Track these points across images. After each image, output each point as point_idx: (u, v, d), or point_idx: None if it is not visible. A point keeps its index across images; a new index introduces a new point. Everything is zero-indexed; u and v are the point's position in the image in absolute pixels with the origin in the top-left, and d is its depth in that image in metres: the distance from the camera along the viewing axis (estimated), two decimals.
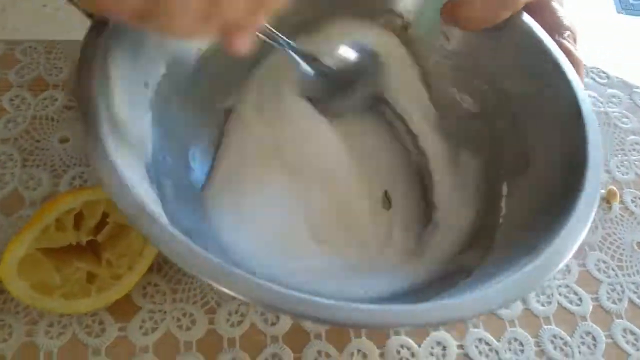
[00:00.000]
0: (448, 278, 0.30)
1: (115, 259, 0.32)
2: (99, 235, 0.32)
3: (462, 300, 0.23)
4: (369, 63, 0.39)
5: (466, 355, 0.34)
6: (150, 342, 0.32)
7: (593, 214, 0.26)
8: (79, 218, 0.32)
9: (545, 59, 0.32)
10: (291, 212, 0.35)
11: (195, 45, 0.35)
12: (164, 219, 0.24)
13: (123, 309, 0.33)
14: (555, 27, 0.33)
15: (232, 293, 0.21)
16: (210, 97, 0.37)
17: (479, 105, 0.37)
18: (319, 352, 0.33)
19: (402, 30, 0.39)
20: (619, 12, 1.47)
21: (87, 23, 0.28)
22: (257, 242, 0.32)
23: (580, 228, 0.25)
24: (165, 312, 0.33)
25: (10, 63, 0.43)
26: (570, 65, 0.31)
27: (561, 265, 0.24)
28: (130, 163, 0.26)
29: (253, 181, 0.35)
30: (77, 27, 0.42)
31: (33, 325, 0.32)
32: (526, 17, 0.34)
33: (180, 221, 0.28)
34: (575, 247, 0.25)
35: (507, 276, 0.24)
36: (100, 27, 0.28)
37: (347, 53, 0.38)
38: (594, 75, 0.50)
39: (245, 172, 0.35)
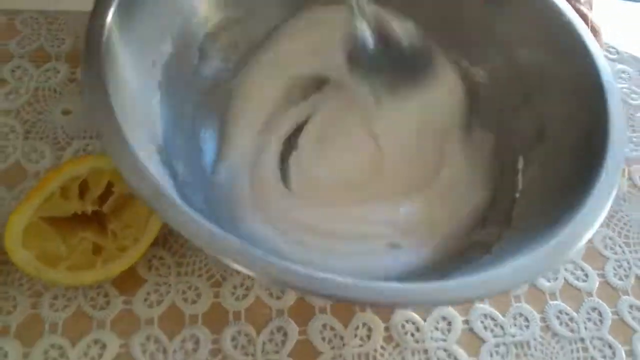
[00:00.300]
0: (467, 254, 0.30)
1: (121, 230, 0.32)
2: (104, 205, 0.32)
3: (487, 276, 0.23)
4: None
5: (471, 330, 0.34)
6: (156, 315, 0.32)
7: (616, 187, 0.25)
8: (84, 187, 0.32)
9: (563, 28, 0.31)
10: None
11: (202, 22, 0.34)
12: (178, 201, 0.23)
13: (128, 281, 0.33)
14: None
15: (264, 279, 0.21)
16: (217, 76, 0.36)
17: (491, 77, 0.36)
18: (324, 326, 0.33)
19: None
20: None
21: None
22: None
23: (603, 201, 0.25)
24: (170, 285, 0.33)
25: (10, 33, 0.42)
26: (591, 35, 0.30)
27: (585, 239, 0.24)
28: (142, 144, 0.26)
29: None
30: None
31: (38, 298, 0.32)
32: None
33: (193, 204, 0.28)
34: (599, 221, 0.24)
35: (528, 252, 0.23)
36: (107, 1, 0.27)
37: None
38: (605, 52, 0.50)
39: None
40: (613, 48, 0.50)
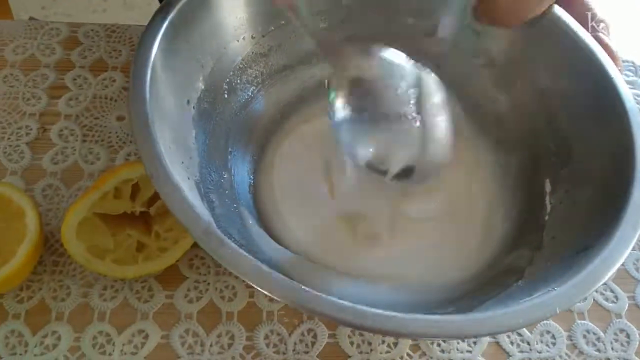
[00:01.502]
0: (498, 280, 0.30)
1: (164, 231, 0.35)
2: (151, 208, 0.34)
3: (517, 309, 0.23)
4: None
5: (497, 343, 0.35)
6: (195, 310, 0.34)
7: None
8: (135, 189, 0.34)
9: (582, 55, 0.32)
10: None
11: (232, 58, 0.35)
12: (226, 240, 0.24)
13: (171, 277, 0.35)
14: (587, 20, 0.33)
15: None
16: (245, 107, 0.37)
17: (514, 101, 0.37)
18: (353, 331, 0.34)
19: (428, 36, 0.38)
20: None
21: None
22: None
23: (633, 227, 0.25)
24: (209, 283, 0.35)
25: (73, 44, 0.46)
26: (610, 61, 0.31)
27: (614, 270, 0.24)
28: (183, 180, 0.27)
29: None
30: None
31: (89, 288, 0.34)
32: (560, 11, 0.33)
33: (231, 235, 0.29)
34: (629, 248, 0.25)
35: (558, 284, 0.23)
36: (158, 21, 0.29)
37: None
38: (626, 72, 0.50)
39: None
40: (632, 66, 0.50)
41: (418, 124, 0.31)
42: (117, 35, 0.46)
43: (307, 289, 0.22)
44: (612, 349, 0.35)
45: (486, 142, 0.38)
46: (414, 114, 0.31)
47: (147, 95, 0.26)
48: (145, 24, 0.29)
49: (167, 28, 0.29)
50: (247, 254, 0.23)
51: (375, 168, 0.32)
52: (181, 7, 0.30)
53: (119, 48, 0.46)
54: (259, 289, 0.22)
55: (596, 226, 0.26)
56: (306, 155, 0.37)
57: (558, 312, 0.23)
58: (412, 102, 0.31)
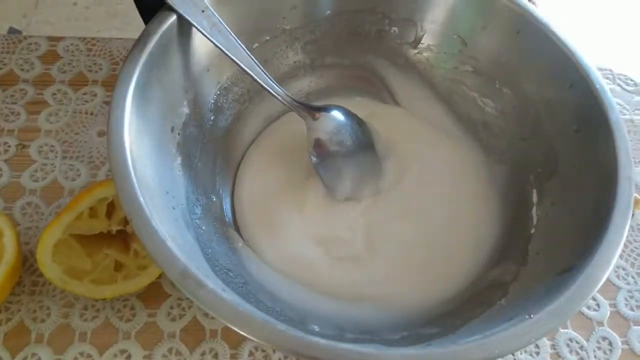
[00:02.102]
0: (483, 296, 0.30)
1: (142, 249, 0.34)
2: (128, 226, 0.34)
3: (493, 339, 0.23)
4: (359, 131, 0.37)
5: None
6: (178, 329, 0.34)
7: (627, 227, 0.26)
8: (111, 208, 0.34)
9: (568, 65, 0.32)
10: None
11: (216, 80, 0.35)
12: (208, 275, 0.24)
13: (153, 295, 0.35)
14: None
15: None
16: (230, 125, 0.37)
17: (501, 108, 0.37)
18: None
19: (413, 45, 0.39)
20: None
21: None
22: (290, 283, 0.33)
23: (615, 244, 0.25)
24: (192, 300, 0.35)
25: (52, 59, 0.45)
26: (596, 71, 0.31)
27: (598, 287, 0.24)
28: (167, 213, 0.27)
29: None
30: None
31: (69, 308, 0.34)
32: (545, 18, 0.33)
33: (218, 261, 0.29)
34: (610, 267, 0.25)
35: (544, 304, 0.24)
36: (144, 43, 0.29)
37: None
38: (620, 82, 0.50)
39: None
40: (631, 80, 0.51)
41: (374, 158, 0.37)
42: (98, 49, 0.46)
43: (281, 329, 0.22)
44: (595, 357, 0.35)
45: (475, 145, 0.39)
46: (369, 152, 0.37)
47: (125, 137, 0.26)
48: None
49: (145, 61, 0.28)
50: (223, 297, 0.22)
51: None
52: (159, 37, 0.29)
53: (99, 62, 0.45)
54: (239, 331, 0.22)
55: (579, 243, 0.26)
56: (272, 169, 0.37)
57: (533, 342, 0.23)
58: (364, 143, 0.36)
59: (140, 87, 0.28)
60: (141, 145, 0.27)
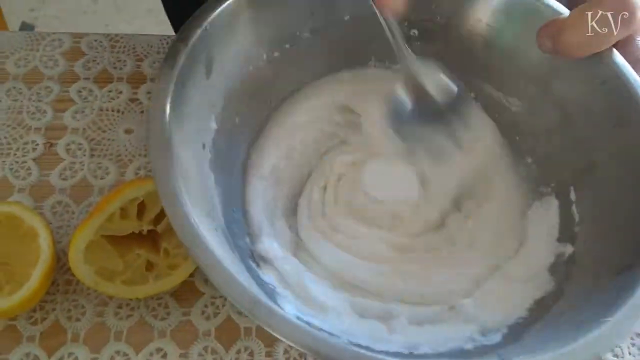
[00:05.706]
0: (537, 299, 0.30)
1: (172, 248, 0.34)
2: (158, 225, 0.34)
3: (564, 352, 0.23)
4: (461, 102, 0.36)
5: None
6: (212, 327, 0.34)
7: None
8: (141, 208, 0.34)
9: (599, 61, 0.31)
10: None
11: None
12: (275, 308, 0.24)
13: (186, 294, 0.35)
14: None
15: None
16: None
17: (527, 106, 0.36)
18: None
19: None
20: None
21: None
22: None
23: None
24: (225, 298, 0.35)
25: (76, 56, 0.45)
26: (630, 67, 0.30)
27: None
28: (214, 236, 0.26)
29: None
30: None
31: (103, 307, 0.34)
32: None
33: (264, 284, 0.29)
34: None
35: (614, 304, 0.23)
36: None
37: (448, 85, 0.35)
38: None
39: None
40: None
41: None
42: (121, 45, 0.46)
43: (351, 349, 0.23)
44: (630, 353, 0.35)
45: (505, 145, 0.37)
46: None
47: (171, 167, 0.26)
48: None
49: (177, 79, 0.28)
50: (295, 321, 0.23)
51: None
52: (187, 53, 0.29)
53: (123, 58, 0.45)
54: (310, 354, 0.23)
55: (629, 241, 0.26)
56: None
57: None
58: None
59: (174, 111, 0.27)
60: (183, 170, 0.27)
